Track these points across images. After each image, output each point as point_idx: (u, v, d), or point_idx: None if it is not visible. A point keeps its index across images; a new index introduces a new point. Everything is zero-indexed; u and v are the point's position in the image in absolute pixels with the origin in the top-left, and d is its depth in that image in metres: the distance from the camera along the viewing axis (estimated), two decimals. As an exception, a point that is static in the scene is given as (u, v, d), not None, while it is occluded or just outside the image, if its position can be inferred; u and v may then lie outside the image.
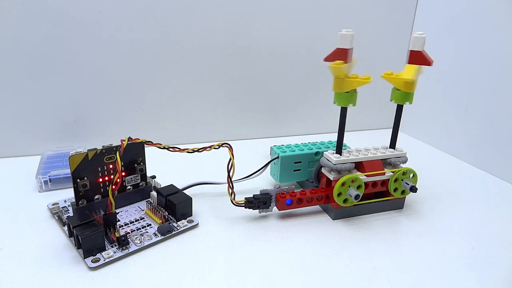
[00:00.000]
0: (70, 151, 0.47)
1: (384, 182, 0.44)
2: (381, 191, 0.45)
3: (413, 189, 0.43)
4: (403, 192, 0.45)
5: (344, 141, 0.44)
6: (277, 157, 0.47)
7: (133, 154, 0.44)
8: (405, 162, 0.45)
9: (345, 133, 0.43)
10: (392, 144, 0.46)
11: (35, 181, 0.49)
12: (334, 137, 0.46)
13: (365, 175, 0.42)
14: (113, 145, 0.42)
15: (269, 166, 0.49)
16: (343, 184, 0.41)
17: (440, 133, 0.68)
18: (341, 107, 0.41)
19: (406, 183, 0.44)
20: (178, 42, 0.61)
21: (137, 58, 0.60)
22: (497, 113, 0.57)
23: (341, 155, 0.42)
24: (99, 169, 0.41)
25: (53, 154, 0.55)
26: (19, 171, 0.53)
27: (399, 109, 0.44)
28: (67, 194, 0.45)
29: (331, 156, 0.42)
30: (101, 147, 0.41)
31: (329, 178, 0.42)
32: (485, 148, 0.59)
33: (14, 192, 0.47)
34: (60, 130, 0.59)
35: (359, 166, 0.43)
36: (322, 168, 0.44)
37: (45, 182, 0.48)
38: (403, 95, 0.42)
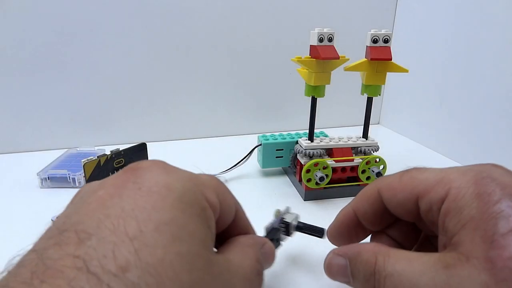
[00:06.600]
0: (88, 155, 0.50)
1: (354, 168, 0.48)
2: (353, 176, 0.49)
3: (379, 176, 0.47)
4: (368, 178, 0.48)
5: (329, 134, 0.48)
6: (260, 145, 0.52)
7: (136, 157, 0.48)
8: (376, 151, 0.49)
9: (335, 128, 0.46)
10: (365, 134, 0.50)
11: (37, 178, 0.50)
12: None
13: (333, 160, 0.46)
14: (120, 149, 0.47)
15: (255, 154, 0.54)
16: (308, 170, 0.45)
17: (417, 126, 0.72)
18: (312, 98, 0.46)
19: (373, 170, 0.47)
20: (169, 41, 0.64)
21: (130, 58, 0.63)
22: (470, 107, 0.59)
23: (312, 141, 0.47)
24: (110, 174, 0.42)
25: (75, 153, 0.58)
26: (22, 167, 0.55)
27: (369, 102, 0.48)
28: (68, 194, 0.47)
29: (302, 142, 0.47)
30: (109, 152, 0.45)
31: (301, 163, 0.47)
32: (457, 140, 0.62)
33: (15, 188, 0.49)
34: (59, 130, 0.63)
35: (329, 152, 0.47)
36: (297, 153, 0.48)
37: (44, 179, 0.49)
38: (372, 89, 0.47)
